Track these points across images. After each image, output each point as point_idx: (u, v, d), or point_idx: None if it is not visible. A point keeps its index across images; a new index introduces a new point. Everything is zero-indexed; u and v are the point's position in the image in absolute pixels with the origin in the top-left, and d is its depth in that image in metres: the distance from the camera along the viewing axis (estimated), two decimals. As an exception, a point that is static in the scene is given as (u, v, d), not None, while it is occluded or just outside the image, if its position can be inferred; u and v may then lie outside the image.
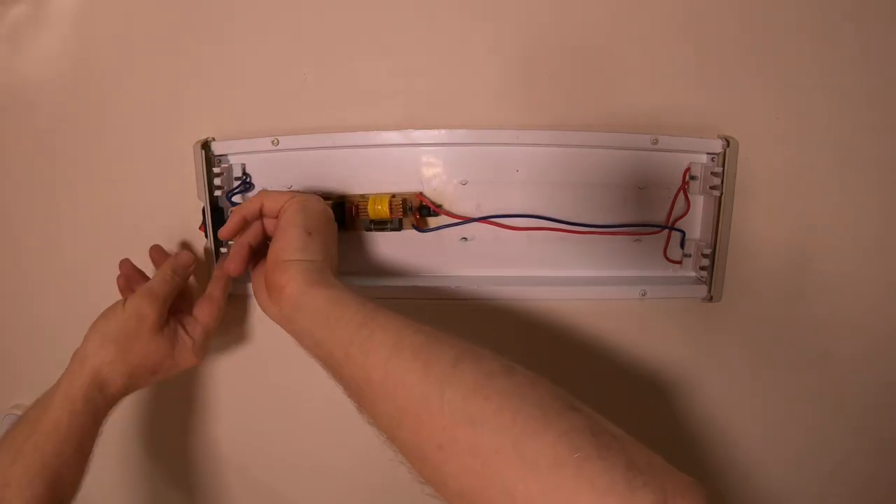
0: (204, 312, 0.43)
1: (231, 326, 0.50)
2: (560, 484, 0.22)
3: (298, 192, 0.41)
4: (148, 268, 0.46)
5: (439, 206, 0.46)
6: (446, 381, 0.26)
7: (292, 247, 0.36)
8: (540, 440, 0.23)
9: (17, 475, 0.35)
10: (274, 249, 0.37)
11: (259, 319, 0.50)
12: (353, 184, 0.47)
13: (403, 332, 0.30)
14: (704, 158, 0.45)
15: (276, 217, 0.39)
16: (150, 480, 0.55)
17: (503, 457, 0.23)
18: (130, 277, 0.45)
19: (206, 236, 0.46)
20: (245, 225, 0.41)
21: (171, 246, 0.50)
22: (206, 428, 0.53)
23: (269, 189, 0.44)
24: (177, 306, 0.43)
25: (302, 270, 0.35)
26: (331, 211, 0.41)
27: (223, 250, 0.47)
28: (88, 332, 0.39)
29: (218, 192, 0.46)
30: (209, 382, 0.52)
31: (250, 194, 0.48)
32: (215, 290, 0.44)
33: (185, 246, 0.50)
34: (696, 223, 0.46)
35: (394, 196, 0.45)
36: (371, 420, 0.30)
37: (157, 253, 0.47)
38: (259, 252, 0.42)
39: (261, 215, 0.41)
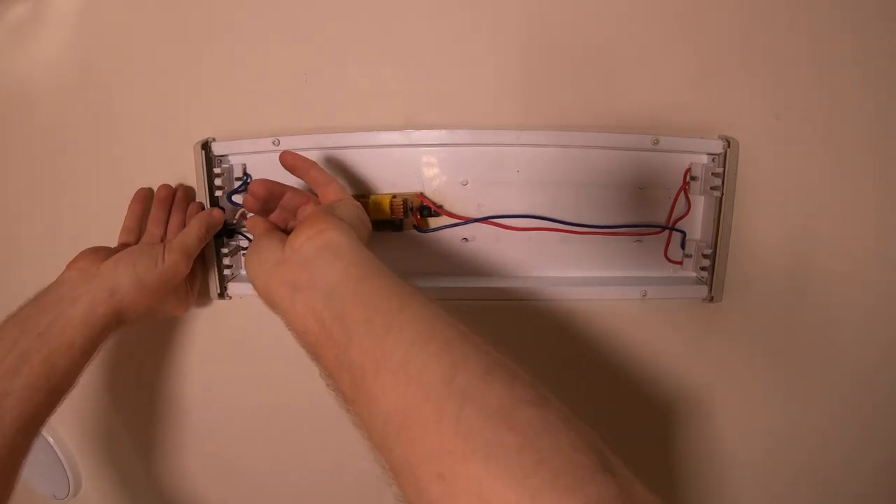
0: (199, 268, 0.46)
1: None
2: None
3: None
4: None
5: (440, 207, 0.46)
6: (470, 393, 0.21)
7: (349, 216, 0.35)
8: None
9: (20, 386, 0.35)
10: (330, 207, 0.36)
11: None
12: (354, 184, 0.47)
13: (436, 321, 0.26)
14: (705, 159, 0.45)
15: (328, 202, 0.39)
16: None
17: None
18: (164, 204, 0.47)
19: (207, 236, 0.46)
20: (298, 173, 0.40)
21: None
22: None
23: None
24: None
25: (350, 230, 0.33)
26: None
27: (224, 250, 0.47)
28: (120, 262, 0.40)
29: (218, 193, 0.46)
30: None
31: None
32: (206, 246, 0.46)
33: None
34: (696, 224, 0.46)
35: (394, 196, 0.45)
36: (360, 419, 0.25)
37: (182, 193, 0.48)
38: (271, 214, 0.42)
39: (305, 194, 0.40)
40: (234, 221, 0.49)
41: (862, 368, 0.47)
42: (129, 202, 0.47)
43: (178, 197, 0.48)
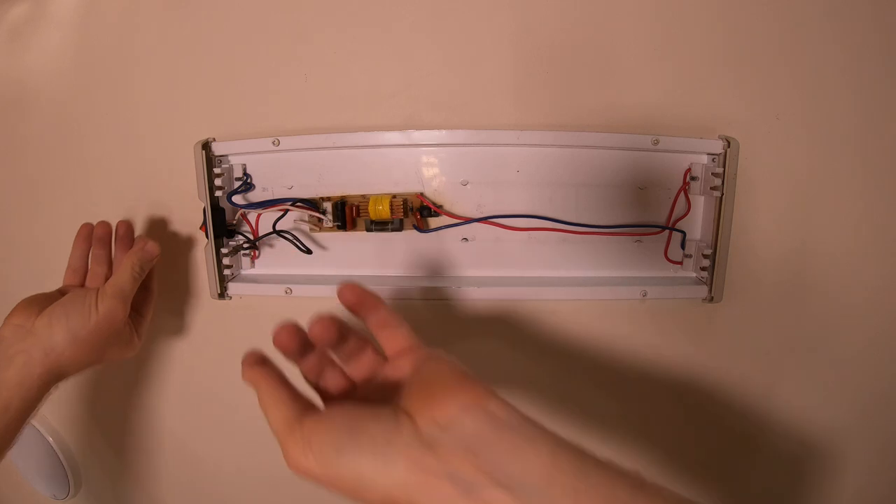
0: (145, 306, 0.44)
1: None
2: None
3: None
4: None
5: (440, 207, 0.46)
6: None
7: (486, 390, 0.24)
8: None
9: None
10: (449, 361, 0.26)
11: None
12: (354, 184, 0.47)
13: None
14: (705, 159, 0.45)
15: (395, 351, 0.29)
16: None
17: None
18: (103, 242, 0.45)
19: (207, 236, 0.46)
20: (361, 311, 0.30)
21: (172, 248, 0.50)
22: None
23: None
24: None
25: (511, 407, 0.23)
26: None
27: (223, 250, 0.47)
28: (54, 318, 0.38)
29: (218, 193, 0.46)
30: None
31: (251, 194, 0.48)
32: (151, 282, 0.46)
33: (187, 245, 0.50)
34: (696, 224, 0.46)
35: (394, 196, 0.45)
36: None
37: (123, 229, 0.46)
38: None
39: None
40: (234, 222, 0.49)
41: (863, 368, 0.47)
42: (74, 239, 0.45)
43: (120, 233, 0.46)
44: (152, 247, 0.44)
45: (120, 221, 0.47)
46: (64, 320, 0.38)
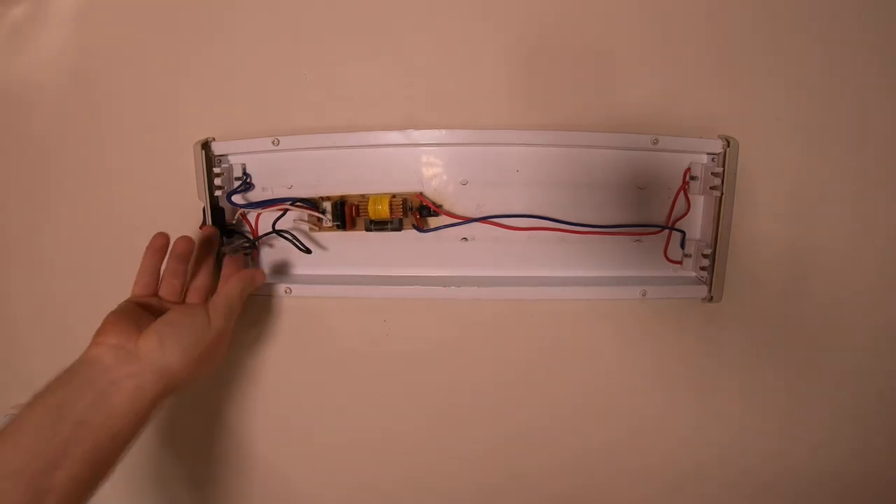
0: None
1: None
2: None
3: None
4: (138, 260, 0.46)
5: (439, 207, 0.46)
6: None
7: None
8: None
9: (61, 481, 0.31)
10: None
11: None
12: (354, 184, 0.47)
13: None
14: (705, 158, 0.45)
15: None
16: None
17: None
18: (182, 258, 0.42)
19: (207, 236, 0.46)
20: None
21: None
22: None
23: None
24: None
25: None
26: None
27: (223, 249, 0.47)
28: (165, 340, 0.36)
29: (218, 193, 0.46)
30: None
31: (250, 194, 0.48)
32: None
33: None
34: (696, 223, 0.46)
35: (394, 196, 0.45)
36: None
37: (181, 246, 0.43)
38: None
39: None
40: (234, 222, 0.49)
41: (862, 367, 0.47)
42: (144, 252, 0.42)
43: (203, 237, 0.44)
44: (261, 276, 0.45)
45: (207, 227, 0.45)
46: (177, 342, 0.36)
